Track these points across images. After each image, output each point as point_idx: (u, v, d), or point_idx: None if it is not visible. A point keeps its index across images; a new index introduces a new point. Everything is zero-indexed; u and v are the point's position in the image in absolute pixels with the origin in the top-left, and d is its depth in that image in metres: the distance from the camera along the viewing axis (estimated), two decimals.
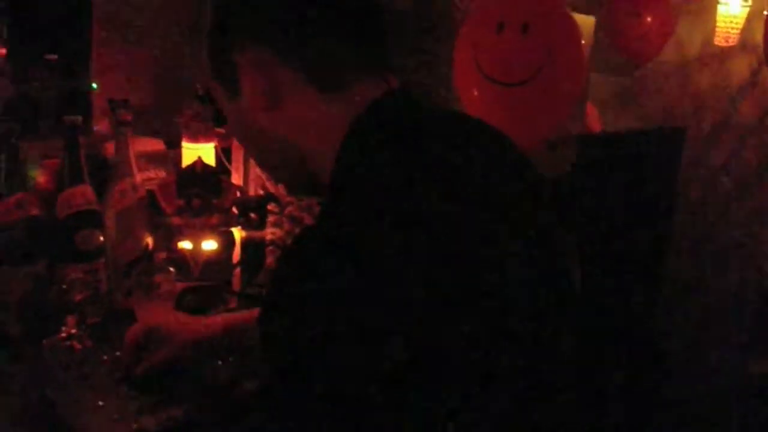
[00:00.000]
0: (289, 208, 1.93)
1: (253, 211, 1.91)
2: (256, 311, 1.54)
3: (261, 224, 1.93)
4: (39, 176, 1.87)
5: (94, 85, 2.68)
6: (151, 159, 2.01)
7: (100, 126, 2.58)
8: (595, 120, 2.48)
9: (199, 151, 1.92)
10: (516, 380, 0.92)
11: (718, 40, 2.75)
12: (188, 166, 1.85)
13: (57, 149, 1.91)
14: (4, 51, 2.45)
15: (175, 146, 2.13)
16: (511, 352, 0.92)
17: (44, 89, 2.55)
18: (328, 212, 1.01)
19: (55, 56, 2.59)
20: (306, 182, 1.14)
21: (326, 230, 0.93)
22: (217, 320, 1.51)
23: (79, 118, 1.75)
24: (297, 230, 1.93)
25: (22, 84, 2.50)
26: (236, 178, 2.01)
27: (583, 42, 1.98)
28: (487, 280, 0.91)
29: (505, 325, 0.92)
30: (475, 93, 1.97)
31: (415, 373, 0.83)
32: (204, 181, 1.83)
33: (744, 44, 2.86)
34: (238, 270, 1.91)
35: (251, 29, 1.07)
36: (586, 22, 2.18)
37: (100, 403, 1.38)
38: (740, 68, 2.96)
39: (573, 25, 1.95)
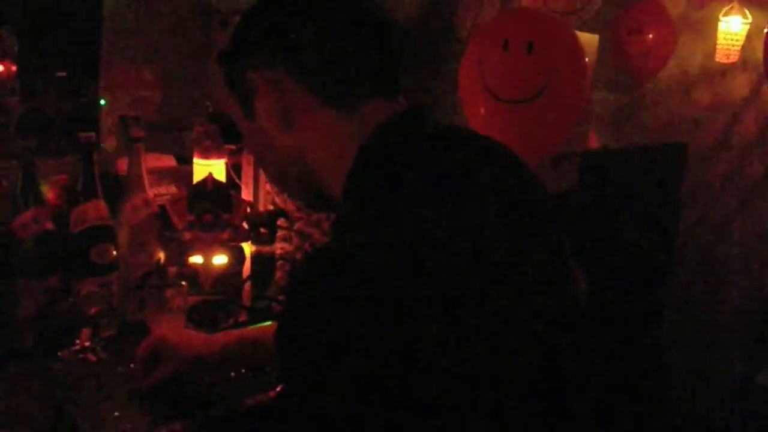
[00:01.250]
0: (298, 224, 1.96)
1: (263, 227, 1.94)
2: (265, 327, 1.59)
3: (270, 239, 1.95)
4: (47, 192, 1.89)
5: (103, 102, 2.71)
6: (162, 175, 2.03)
7: (108, 143, 2.60)
8: (591, 138, 2.51)
9: (209, 168, 1.94)
10: (524, 391, 0.95)
11: (719, 57, 2.78)
12: (199, 182, 1.88)
13: (67, 165, 1.94)
14: (14, 68, 2.47)
15: (183, 162, 2.15)
16: (520, 365, 0.94)
17: (54, 106, 2.58)
18: (341, 229, 1.04)
19: (65, 73, 2.62)
20: (319, 199, 1.17)
21: (339, 247, 0.95)
22: (226, 336, 1.53)
23: (93, 135, 1.78)
24: (305, 245, 1.96)
25: (32, 101, 2.53)
26: (246, 194, 2.04)
27: (587, 60, 2.01)
28: (498, 296, 0.93)
29: (515, 339, 0.94)
30: (481, 110, 2.00)
31: (428, 388, 0.85)
32: (215, 197, 1.85)
33: (744, 61, 2.89)
34: (248, 284, 1.93)
35: (266, 50, 1.10)
36: (589, 40, 2.21)
37: (116, 414, 1.40)
38: (741, 85, 2.99)
39: (577, 44, 1.99)
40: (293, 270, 1.94)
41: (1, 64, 2.38)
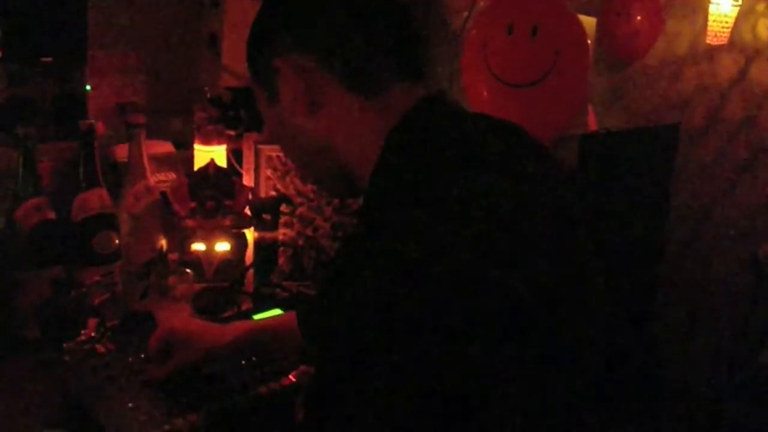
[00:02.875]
0: (300, 209, 1.95)
1: (266, 213, 1.92)
2: (274, 317, 1.58)
3: (273, 225, 1.94)
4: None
5: (88, 88, 2.67)
6: (159, 161, 2.01)
7: (98, 129, 2.57)
8: (591, 119, 2.51)
9: (211, 154, 1.93)
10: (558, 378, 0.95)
11: (709, 39, 2.78)
12: (201, 169, 1.86)
13: (55, 152, 1.92)
14: None
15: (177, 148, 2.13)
16: (556, 349, 0.94)
17: (41, 92, 2.54)
18: (373, 216, 1.03)
19: (50, 59, 2.58)
20: (344, 185, 1.16)
21: (369, 236, 0.94)
22: (237, 327, 1.53)
23: (93, 122, 1.76)
24: (308, 230, 1.95)
25: (19, 87, 2.49)
26: (247, 180, 2.02)
27: (589, 42, 2.02)
28: (534, 282, 0.92)
29: (557, 328, 0.94)
30: (485, 94, 2.00)
31: (458, 382, 0.84)
32: (217, 183, 1.83)
33: (732, 42, 2.90)
34: (251, 271, 1.92)
35: (292, 35, 1.09)
36: (588, 22, 2.21)
37: (131, 404, 1.39)
38: (728, 66, 3.00)
39: (580, 27, 1.99)
40: (328, 259, 1.92)
41: None
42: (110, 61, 2.70)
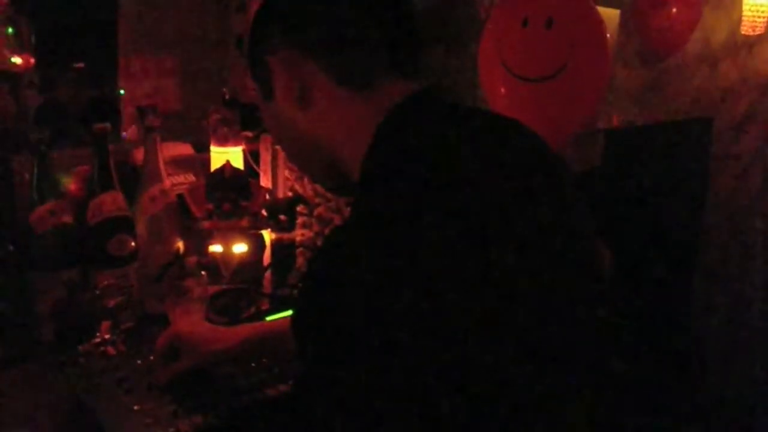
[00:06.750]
0: (318, 210, 1.94)
1: (282, 214, 1.92)
2: (285, 318, 1.57)
3: (291, 226, 1.93)
4: (70, 183, 1.88)
5: (122, 92, 2.70)
6: (179, 164, 2.02)
7: (129, 133, 2.60)
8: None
9: (227, 155, 1.93)
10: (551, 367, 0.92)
11: (745, 29, 2.72)
12: (217, 170, 1.86)
13: (86, 156, 1.93)
14: (33, 61, 2.47)
15: (202, 150, 2.14)
16: (538, 341, 0.92)
17: (72, 97, 2.58)
18: (357, 210, 1.02)
19: (82, 64, 2.62)
20: (340, 181, 1.15)
21: (356, 229, 0.93)
22: (245, 329, 1.52)
23: (108, 126, 1.77)
24: (326, 231, 1.94)
25: (50, 92, 2.53)
26: (265, 181, 2.02)
27: (608, 36, 1.96)
28: (522, 275, 0.90)
29: (544, 315, 0.92)
30: (502, 90, 1.96)
31: (452, 371, 0.83)
32: (233, 185, 1.84)
33: None
34: (269, 272, 1.92)
35: (283, 31, 1.10)
36: (610, 15, 2.16)
37: (136, 407, 1.39)
38: (767, 57, 2.93)
39: (597, 19, 1.94)
40: (312, 254, 1.92)
41: (20, 56, 2.37)
42: (146, 66, 2.73)
